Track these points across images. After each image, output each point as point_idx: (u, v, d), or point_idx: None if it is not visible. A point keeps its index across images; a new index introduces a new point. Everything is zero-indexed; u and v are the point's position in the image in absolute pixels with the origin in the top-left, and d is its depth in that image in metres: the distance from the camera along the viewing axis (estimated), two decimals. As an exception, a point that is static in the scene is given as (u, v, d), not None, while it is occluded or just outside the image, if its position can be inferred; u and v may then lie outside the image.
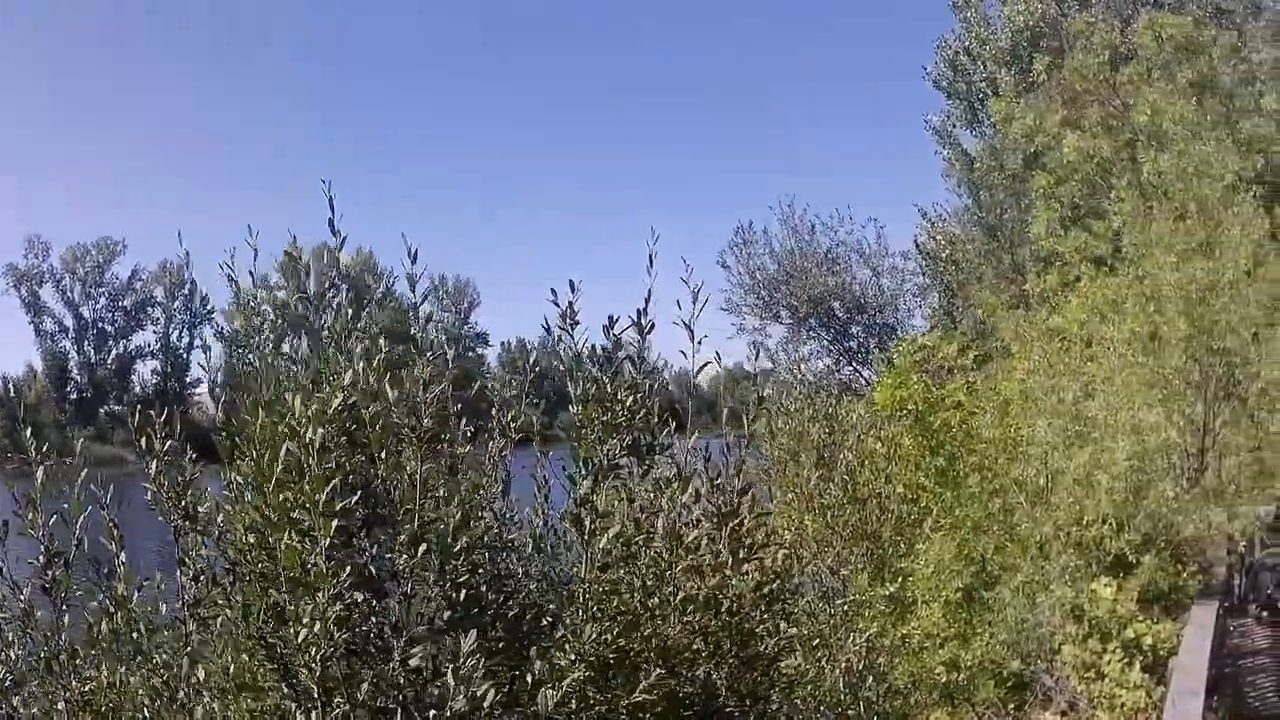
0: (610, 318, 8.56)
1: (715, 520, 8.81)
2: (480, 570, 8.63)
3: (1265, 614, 19.11)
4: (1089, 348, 18.49)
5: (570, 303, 8.69)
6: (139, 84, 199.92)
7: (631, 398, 8.59)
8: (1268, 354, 17.44)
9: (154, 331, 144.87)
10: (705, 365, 8.74)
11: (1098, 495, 15.84)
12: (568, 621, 8.24)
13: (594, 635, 8.14)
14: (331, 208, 8.12)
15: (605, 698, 8.36)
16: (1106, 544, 15.94)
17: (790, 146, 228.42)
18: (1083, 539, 16.14)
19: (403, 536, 7.79)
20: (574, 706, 7.85)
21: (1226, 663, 16.39)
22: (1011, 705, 16.55)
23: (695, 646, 9.10)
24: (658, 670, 8.29)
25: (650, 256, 8.51)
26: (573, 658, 7.96)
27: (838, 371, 48.70)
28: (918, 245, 47.53)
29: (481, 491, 9.19)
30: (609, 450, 8.53)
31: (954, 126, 45.32)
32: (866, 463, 18.42)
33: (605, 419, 8.62)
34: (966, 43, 44.10)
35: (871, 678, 17.24)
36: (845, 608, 15.89)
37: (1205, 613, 15.27)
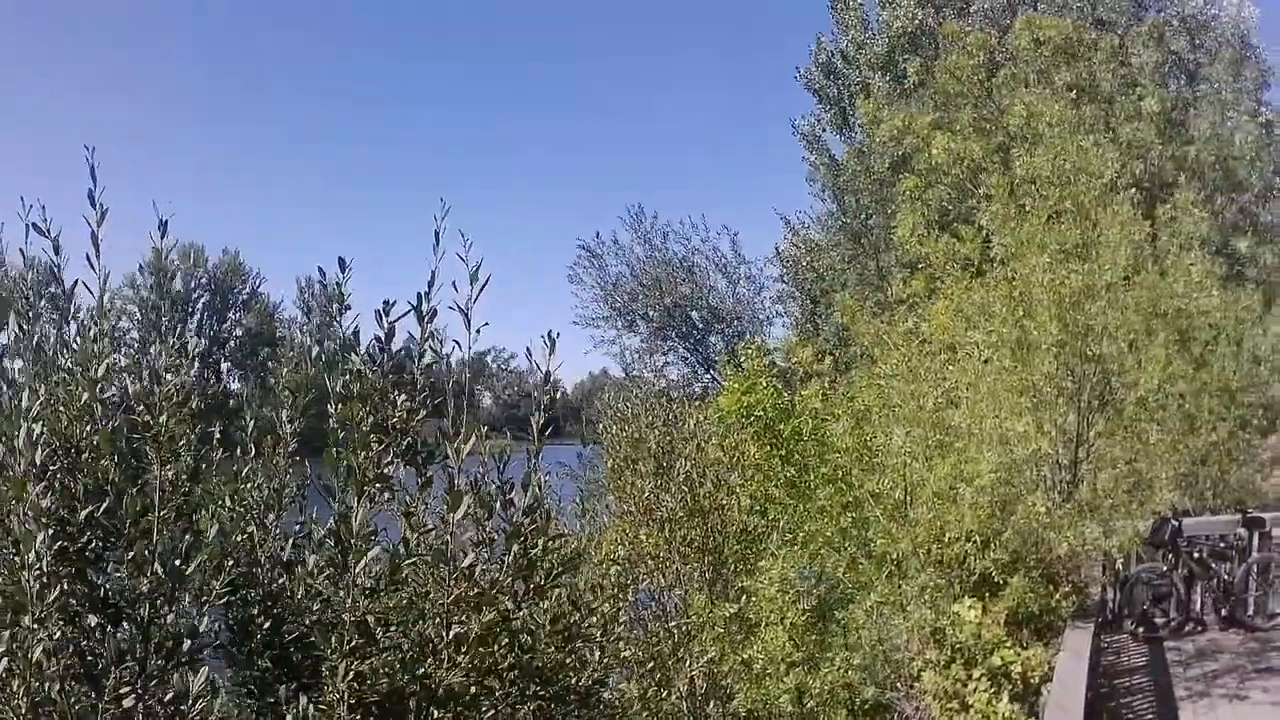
0: (385, 303, 7.55)
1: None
2: (248, 593, 7.81)
3: (1141, 630, 18.33)
4: (953, 353, 17.19)
5: (338, 283, 7.81)
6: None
7: (407, 396, 7.64)
8: (1145, 361, 16.22)
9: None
10: (496, 353, 7.18)
11: (960, 509, 14.48)
12: (329, 655, 7.08)
13: (352, 673, 7.04)
14: (93, 178, 7.31)
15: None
16: (970, 562, 14.61)
17: (640, 159, 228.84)
18: (944, 556, 14.84)
19: (132, 554, 6.83)
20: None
21: (1101, 684, 15.24)
22: (867, 737, 15.18)
23: (487, 684, 7.96)
24: (435, 714, 7.44)
25: (437, 233, 7.55)
26: (334, 698, 6.95)
27: (697, 380, 47.90)
28: (779, 252, 46.80)
29: (245, 503, 8.34)
30: (375, 457, 7.41)
31: (823, 131, 44.32)
32: (708, 472, 17.17)
33: (375, 419, 7.55)
34: (842, 45, 43.08)
35: (714, 701, 16.09)
36: (682, 629, 14.84)
37: (1080, 637, 13.98)
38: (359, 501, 7.15)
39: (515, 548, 7.77)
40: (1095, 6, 36.59)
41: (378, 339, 7.51)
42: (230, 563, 7.39)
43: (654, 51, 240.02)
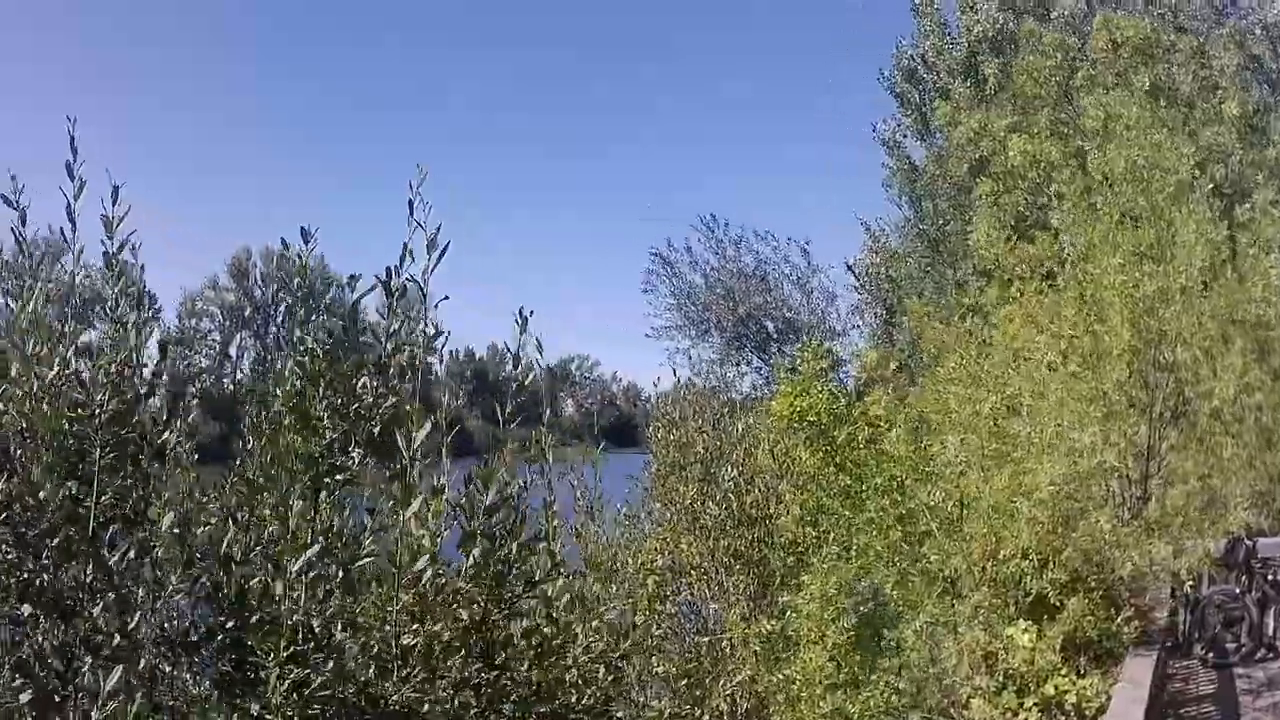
0: (351, 276, 7.15)
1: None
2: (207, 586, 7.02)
3: (1211, 656, 17.27)
4: (1018, 359, 16.45)
5: (300, 254, 7.23)
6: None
7: (370, 380, 7.11)
8: (1222, 370, 15.41)
9: None
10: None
11: (1017, 525, 13.70)
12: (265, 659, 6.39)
13: (288, 680, 6.37)
14: (73, 150, 6.88)
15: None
16: (1026, 582, 13.79)
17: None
18: (998, 575, 14.03)
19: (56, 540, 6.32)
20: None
21: (1167, 713, 14.29)
22: (909, 767, 14.42)
23: (464, 700, 7.33)
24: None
25: (411, 202, 7.04)
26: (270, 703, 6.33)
27: (769, 388, 47.36)
28: (849, 267, 46.23)
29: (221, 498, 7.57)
30: (331, 447, 6.91)
31: (903, 137, 43.40)
32: (756, 479, 16.53)
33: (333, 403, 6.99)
34: (923, 50, 42.23)
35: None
36: (719, 645, 14.28)
37: (1142, 666, 13.22)
38: (297, 490, 6.55)
39: (475, 553, 7.14)
40: (1176, 14, 35.75)
41: (343, 316, 6.99)
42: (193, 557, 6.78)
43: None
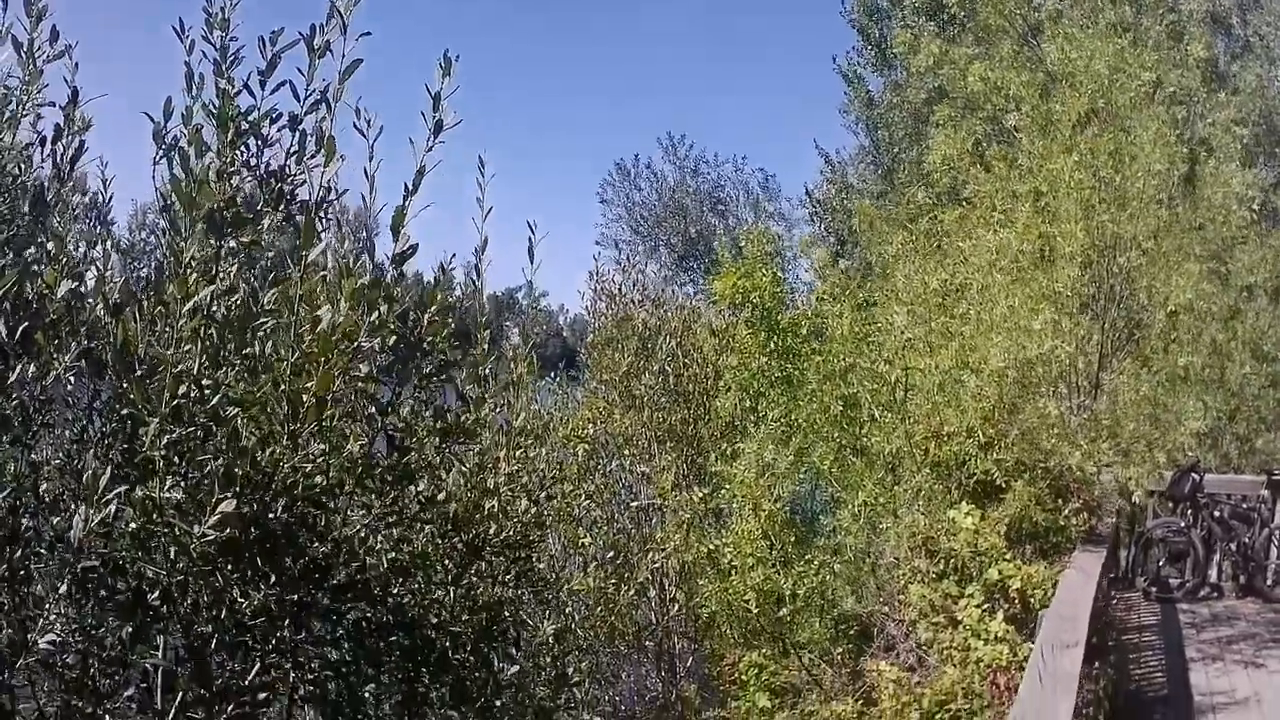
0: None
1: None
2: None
3: (1155, 590, 17.17)
4: (966, 257, 16.02)
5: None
6: None
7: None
8: (1178, 276, 15.01)
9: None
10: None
11: (962, 403, 13.25)
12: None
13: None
14: None
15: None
16: (970, 464, 13.34)
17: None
18: (941, 456, 13.58)
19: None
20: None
21: (1111, 635, 14.00)
22: (842, 651, 14.01)
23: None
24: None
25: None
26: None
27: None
28: (808, 192, 45.86)
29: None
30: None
31: (863, 69, 42.84)
32: (694, 354, 16.11)
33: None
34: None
35: (681, 600, 15.19)
36: (645, 513, 13.89)
37: (1091, 559, 12.78)
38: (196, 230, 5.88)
39: (383, 308, 6.47)
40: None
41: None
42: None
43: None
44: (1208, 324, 15.79)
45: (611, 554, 14.34)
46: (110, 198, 6.93)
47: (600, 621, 14.52)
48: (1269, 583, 17.24)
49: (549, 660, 9.78)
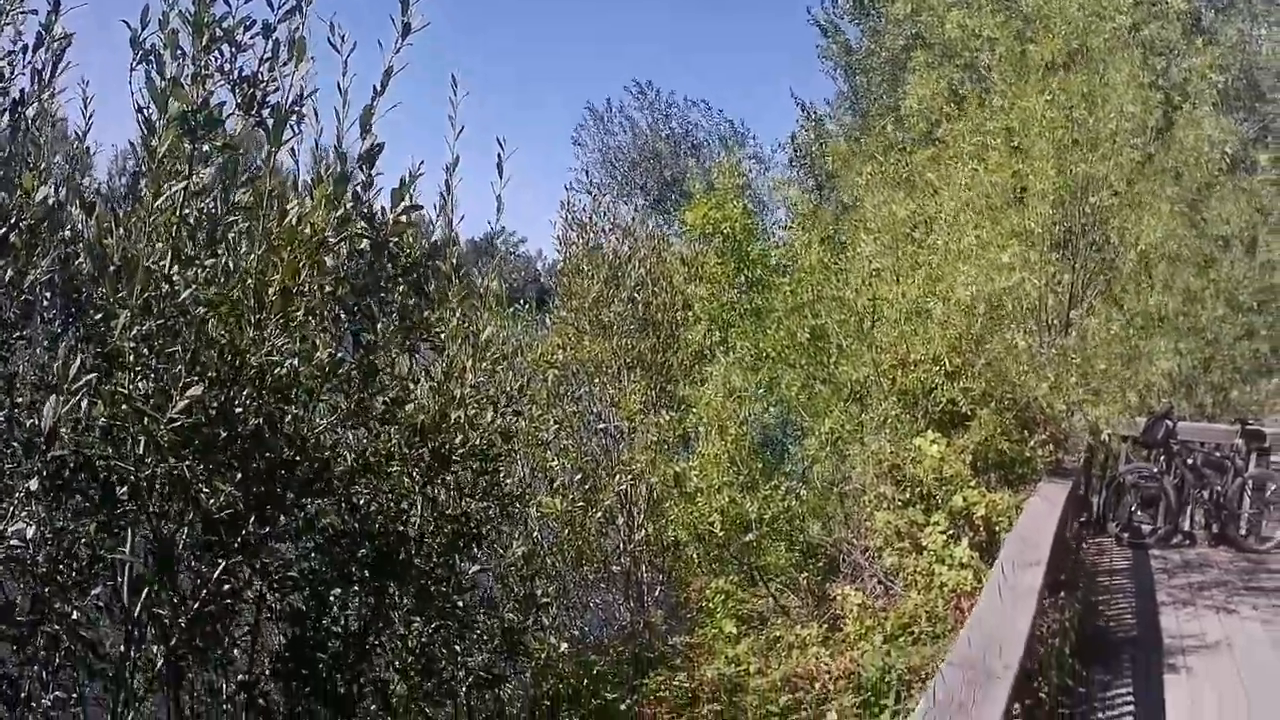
0: None
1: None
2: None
3: (1126, 535, 17.44)
4: (936, 192, 16.00)
5: None
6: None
7: None
8: (1150, 217, 15.02)
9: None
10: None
11: (929, 330, 13.29)
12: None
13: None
14: None
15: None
16: (937, 392, 13.38)
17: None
18: (908, 385, 13.63)
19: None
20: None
21: (1081, 574, 14.34)
22: (808, 577, 14.08)
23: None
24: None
25: None
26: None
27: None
28: (792, 137, 45.71)
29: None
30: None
31: (839, 18, 42.61)
32: (662, 281, 16.15)
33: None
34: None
35: (649, 529, 15.27)
36: (611, 435, 13.95)
37: (1056, 489, 12.84)
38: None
39: (349, 199, 6.53)
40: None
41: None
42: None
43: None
44: (1181, 270, 15.82)
45: (580, 477, 14.41)
46: (91, 114, 6.97)
47: (568, 545, 14.63)
48: (1242, 531, 17.40)
49: (517, 581, 9.88)
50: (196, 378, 5.85)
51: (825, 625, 12.52)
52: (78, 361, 5.31)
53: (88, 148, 7.09)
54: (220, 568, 6.36)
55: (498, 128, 7.87)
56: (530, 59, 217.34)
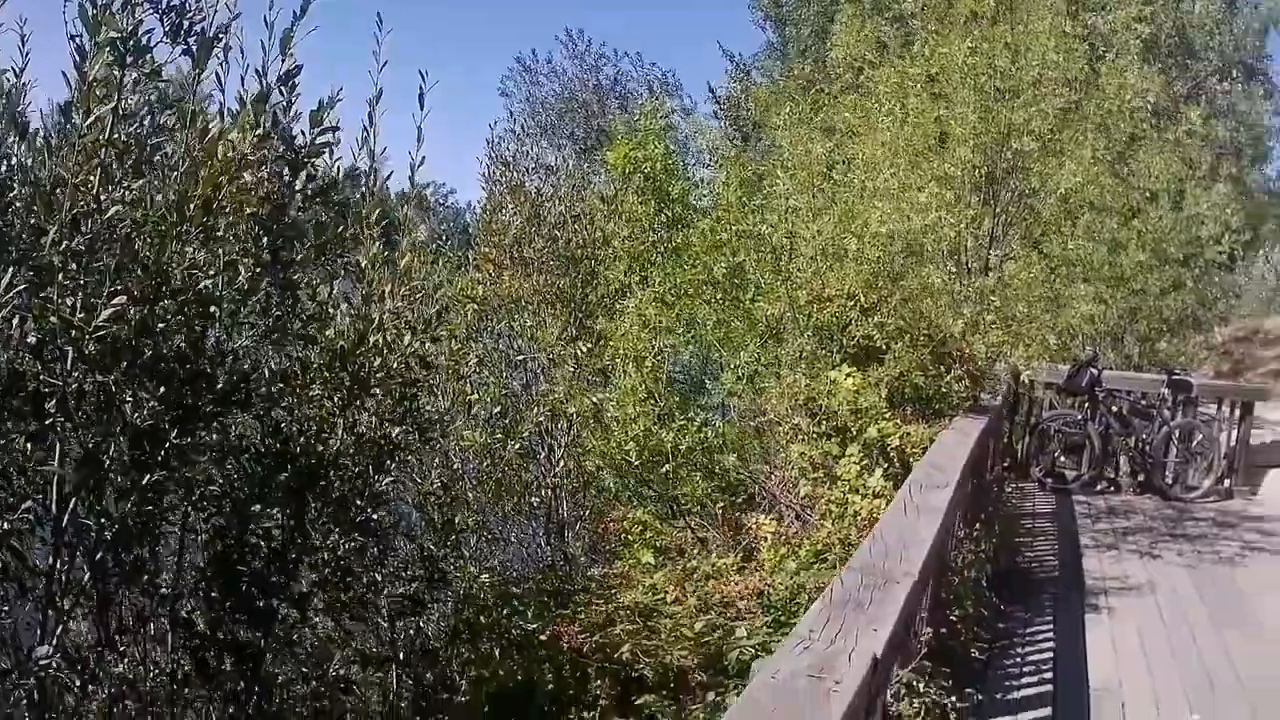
0: None
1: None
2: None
3: (1050, 481, 17.68)
4: (856, 136, 16.10)
5: None
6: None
7: None
8: (1071, 163, 15.18)
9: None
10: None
11: (844, 266, 13.40)
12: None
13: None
14: None
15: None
16: (852, 327, 13.48)
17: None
18: (824, 320, 13.76)
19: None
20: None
21: (1001, 516, 14.20)
22: (724, 508, 14.16)
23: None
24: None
25: None
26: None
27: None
28: (711, 90, 45.72)
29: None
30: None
31: (772, -31, 42.47)
32: (582, 218, 16.23)
33: None
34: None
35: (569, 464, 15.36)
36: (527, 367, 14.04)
37: (970, 423, 12.89)
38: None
39: (268, 119, 6.65)
40: None
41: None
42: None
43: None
44: (1104, 219, 16.01)
45: (499, 410, 14.48)
46: (28, 51, 7.00)
47: (487, 479, 14.70)
48: (1167, 480, 17.64)
49: (436, 510, 9.99)
50: (121, 291, 5.97)
51: (741, 555, 12.64)
52: (7, 277, 5.42)
53: (24, 82, 7.14)
54: (145, 479, 6.46)
55: (432, 83, 7.95)
56: (471, 26, 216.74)
